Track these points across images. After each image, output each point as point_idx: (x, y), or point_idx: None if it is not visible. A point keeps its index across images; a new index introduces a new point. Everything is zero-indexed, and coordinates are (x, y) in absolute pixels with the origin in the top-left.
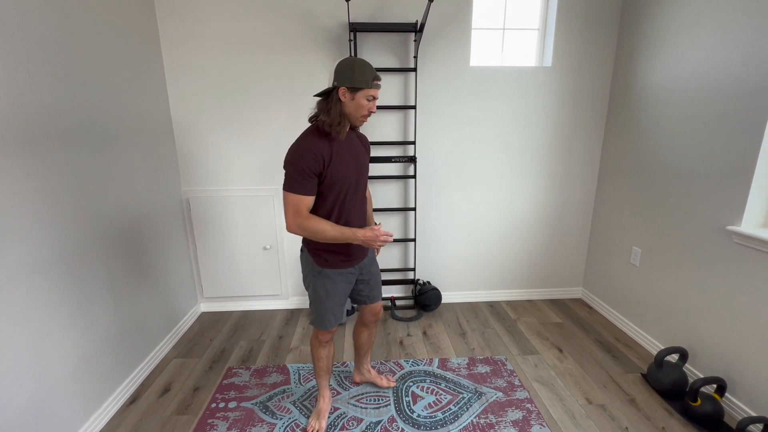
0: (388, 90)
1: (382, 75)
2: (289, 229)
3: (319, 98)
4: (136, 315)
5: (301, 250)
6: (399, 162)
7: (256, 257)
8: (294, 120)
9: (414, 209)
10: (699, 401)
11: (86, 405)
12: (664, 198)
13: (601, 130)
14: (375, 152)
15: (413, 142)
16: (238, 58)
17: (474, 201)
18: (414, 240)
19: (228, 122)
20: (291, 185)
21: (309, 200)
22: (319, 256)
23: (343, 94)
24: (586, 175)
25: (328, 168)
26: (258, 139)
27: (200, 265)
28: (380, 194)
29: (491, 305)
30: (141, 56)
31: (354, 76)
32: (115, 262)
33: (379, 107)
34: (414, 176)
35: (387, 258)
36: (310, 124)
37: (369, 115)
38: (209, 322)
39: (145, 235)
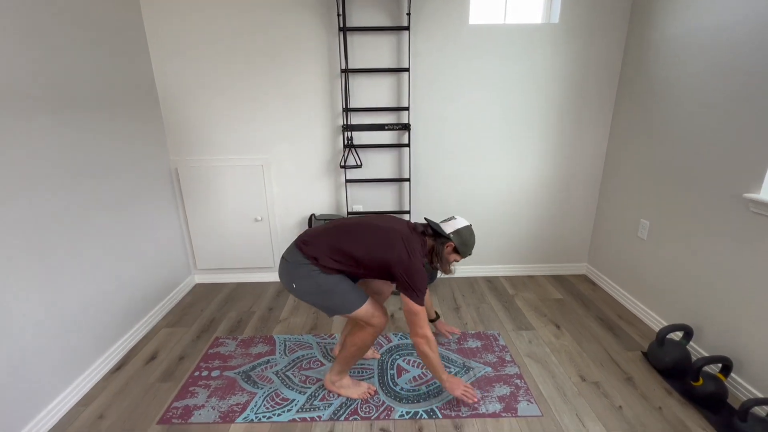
0: (379, 51)
1: (371, 34)
2: (417, 334)
3: (430, 226)
4: (126, 283)
5: (300, 264)
6: (392, 130)
7: (248, 229)
8: (282, 87)
9: (408, 180)
10: (701, 381)
11: (71, 368)
12: (676, 165)
13: (613, 93)
14: (366, 119)
15: (407, 108)
16: (221, 20)
17: (472, 170)
18: (408, 212)
19: (215, 88)
20: (422, 300)
21: None
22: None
23: (448, 246)
24: (594, 144)
25: None
26: (246, 107)
27: (192, 236)
28: (372, 164)
29: (489, 280)
30: (118, 18)
31: (465, 245)
32: (104, 228)
33: (369, 70)
34: (408, 144)
35: None
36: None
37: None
38: (203, 293)
39: (134, 204)
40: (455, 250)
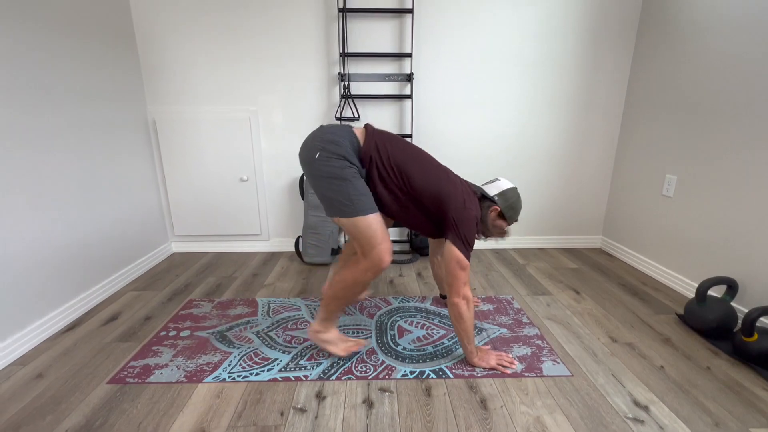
0: None
1: None
2: (456, 297)
3: (483, 191)
4: (88, 238)
5: (341, 158)
6: (394, 81)
7: (232, 190)
8: (274, 29)
9: (410, 136)
10: (755, 336)
11: (7, 323)
12: (706, 109)
13: (632, 38)
14: (365, 67)
15: (410, 55)
16: None
17: (478, 128)
18: None
19: (199, 30)
20: (469, 253)
21: None
22: None
23: (492, 210)
24: (611, 97)
25: None
26: (233, 52)
27: (170, 196)
28: (371, 117)
29: (497, 252)
30: None
31: (512, 209)
32: (67, 170)
33: (369, 10)
34: (410, 96)
35: None
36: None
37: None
38: (180, 261)
39: (105, 153)
40: (500, 216)
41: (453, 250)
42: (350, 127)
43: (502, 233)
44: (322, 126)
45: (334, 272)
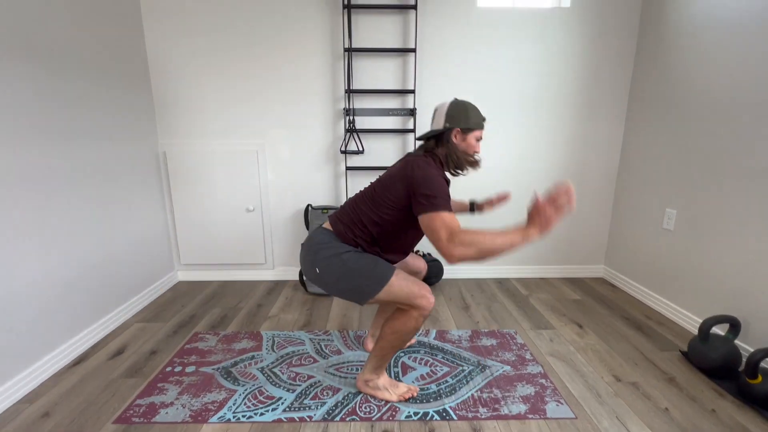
0: (385, 30)
1: (377, 12)
2: (452, 255)
3: (424, 140)
4: (96, 270)
5: (335, 255)
6: (397, 115)
7: (239, 220)
8: (282, 67)
9: None
10: (760, 378)
11: (16, 359)
12: (703, 145)
13: (628, 76)
14: (369, 102)
15: (413, 91)
16: None
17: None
18: None
19: (211, 68)
20: (439, 204)
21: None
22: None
23: (455, 135)
24: (610, 132)
25: None
26: (244, 89)
27: (177, 227)
28: (375, 151)
29: (499, 282)
30: None
31: (468, 117)
32: (77, 205)
33: (374, 50)
34: (413, 130)
35: None
36: (419, 155)
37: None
38: (185, 290)
39: (116, 187)
40: (463, 130)
41: (421, 219)
42: (320, 226)
43: (473, 162)
44: (302, 245)
45: (374, 327)
